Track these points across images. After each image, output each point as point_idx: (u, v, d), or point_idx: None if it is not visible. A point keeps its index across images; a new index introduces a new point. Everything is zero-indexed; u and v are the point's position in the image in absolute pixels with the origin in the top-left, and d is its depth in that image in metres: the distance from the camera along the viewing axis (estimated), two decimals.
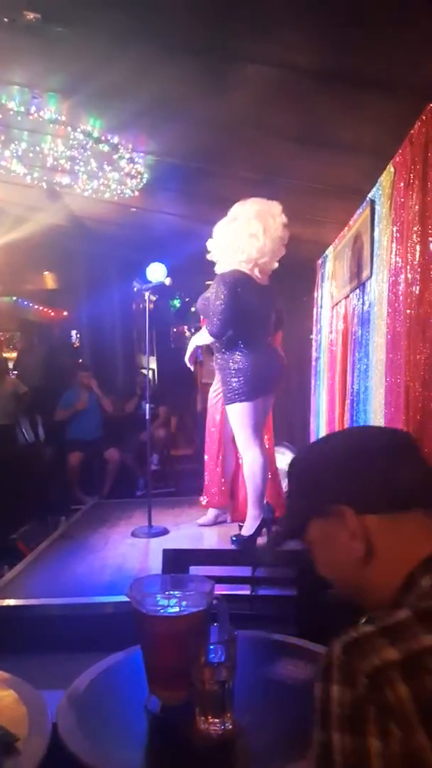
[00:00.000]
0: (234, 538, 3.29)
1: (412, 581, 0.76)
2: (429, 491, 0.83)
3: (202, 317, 3.56)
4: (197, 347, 3.49)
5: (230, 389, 3.25)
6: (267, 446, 3.51)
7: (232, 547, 3.21)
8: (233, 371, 3.22)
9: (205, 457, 3.89)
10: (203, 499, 3.83)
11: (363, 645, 0.65)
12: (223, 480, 3.80)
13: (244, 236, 3.14)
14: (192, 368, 3.65)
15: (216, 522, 3.77)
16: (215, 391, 3.77)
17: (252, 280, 3.20)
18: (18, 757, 1.05)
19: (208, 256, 3.36)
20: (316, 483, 0.87)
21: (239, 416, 3.25)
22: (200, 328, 3.59)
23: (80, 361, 7.34)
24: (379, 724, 0.60)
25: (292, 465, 0.95)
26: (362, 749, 0.60)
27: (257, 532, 3.22)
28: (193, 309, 3.84)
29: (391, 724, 0.60)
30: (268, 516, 3.30)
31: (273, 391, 3.37)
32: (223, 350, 3.26)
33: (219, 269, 3.29)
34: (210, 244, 3.32)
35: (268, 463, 3.38)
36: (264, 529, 3.23)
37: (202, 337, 3.36)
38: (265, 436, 3.55)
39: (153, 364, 7.87)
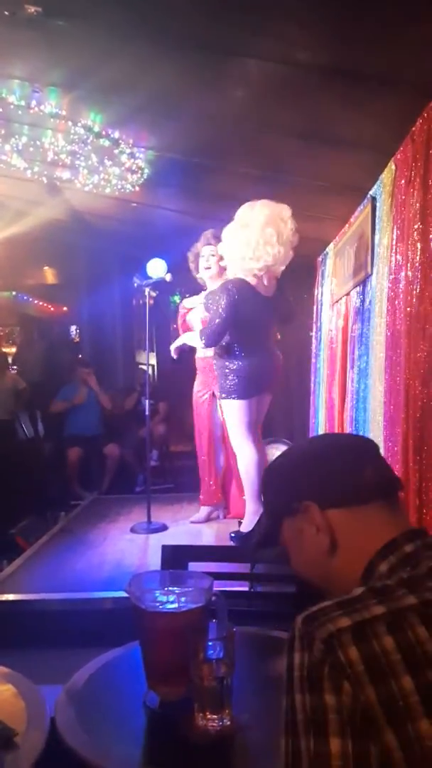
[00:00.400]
0: (233, 535, 3.29)
1: (371, 568, 0.83)
2: (386, 485, 0.91)
3: (203, 315, 3.56)
4: (184, 344, 3.57)
5: (225, 386, 3.29)
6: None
7: (231, 543, 3.22)
8: (229, 370, 3.26)
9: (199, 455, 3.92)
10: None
11: (320, 616, 0.72)
12: (212, 478, 3.81)
13: (258, 244, 3.12)
14: (175, 357, 3.70)
15: (208, 519, 3.78)
16: (200, 391, 3.80)
17: (254, 290, 3.21)
18: (16, 752, 1.06)
19: (222, 263, 3.43)
20: (284, 484, 0.96)
21: (233, 413, 3.30)
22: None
23: (80, 356, 7.33)
24: (332, 681, 0.67)
25: (264, 473, 1.04)
26: (319, 705, 0.67)
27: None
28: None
29: (343, 681, 0.67)
30: None
31: (267, 390, 3.39)
32: (220, 353, 3.32)
33: (230, 274, 3.33)
34: (221, 248, 3.36)
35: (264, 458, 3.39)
36: None
37: (192, 340, 3.45)
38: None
39: (153, 360, 7.87)
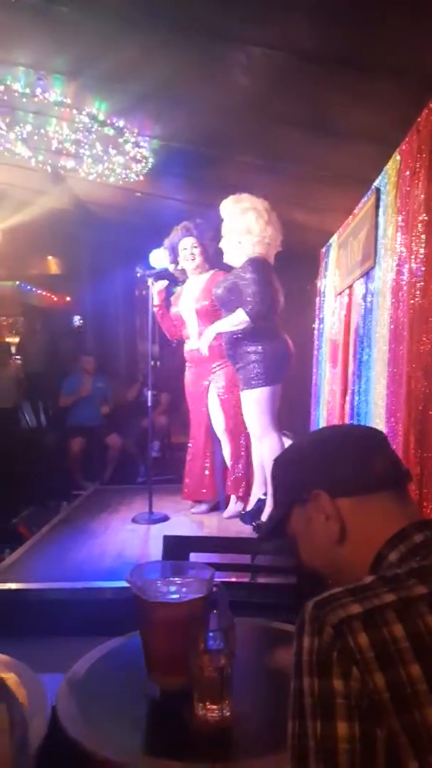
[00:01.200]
0: (255, 525, 3.28)
1: (380, 557, 0.84)
2: (395, 475, 0.92)
3: (219, 307, 3.48)
4: (219, 335, 3.35)
5: (250, 375, 3.23)
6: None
7: (231, 534, 3.23)
8: (254, 356, 3.22)
9: (190, 445, 3.86)
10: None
11: (331, 602, 0.74)
12: (207, 473, 3.78)
13: (260, 225, 3.22)
14: (206, 352, 3.47)
15: (209, 511, 3.77)
16: (195, 384, 3.74)
17: (272, 267, 3.30)
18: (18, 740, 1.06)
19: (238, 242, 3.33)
20: (295, 472, 0.97)
21: (258, 402, 3.23)
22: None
23: (83, 347, 7.34)
24: (341, 666, 0.69)
25: (274, 463, 1.04)
26: (327, 690, 0.68)
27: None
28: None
29: (352, 667, 0.68)
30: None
31: (286, 376, 3.40)
32: (242, 336, 3.24)
33: (232, 259, 3.33)
34: (223, 241, 3.37)
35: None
36: None
37: (229, 324, 3.25)
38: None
39: (156, 351, 7.85)
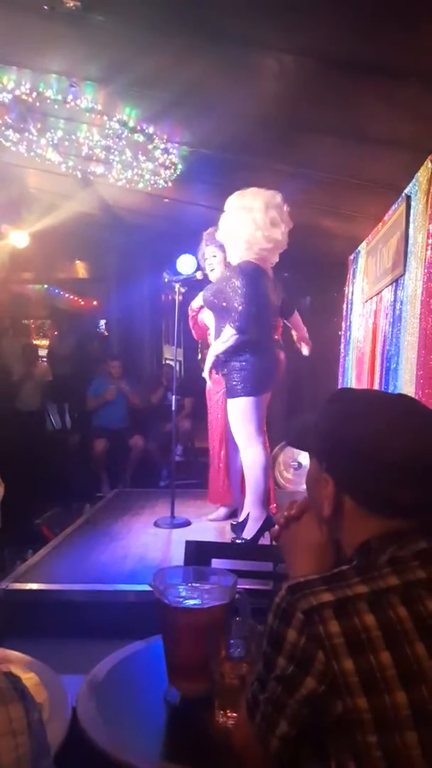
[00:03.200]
0: (233, 524, 3.24)
1: (366, 546, 0.85)
2: (420, 513, 0.86)
3: (210, 312, 3.43)
4: (218, 358, 3.28)
5: (233, 383, 3.17)
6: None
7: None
8: (238, 366, 3.15)
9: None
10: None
11: (304, 588, 0.79)
12: (226, 478, 3.75)
13: (266, 224, 3.07)
14: (210, 383, 3.51)
15: (227, 518, 3.74)
16: (212, 390, 3.72)
17: (265, 272, 3.16)
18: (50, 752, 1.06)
19: (226, 244, 3.27)
20: (333, 447, 0.91)
21: (241, 412, 3.17)
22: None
23: (109, 351, 7.40)
24: (306, 650, 0.76)
25: (337, 399, 0.98)
26: (292, 672, 0.77)
27: (259, 535, 3.13)
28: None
29: (318, 651, 0.75)
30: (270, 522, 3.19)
31: (272, 388, 3.29)
32: (231, 348, 3.15)
33: (234, 260, 3.23)
34: (222, 235, 3.25)
35: (270, 461, 3.30)
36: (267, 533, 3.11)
37: (222, 344, 3.18)
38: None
39: (180, 356, 7.89)
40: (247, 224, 3.09)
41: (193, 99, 2.97)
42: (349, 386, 5.03)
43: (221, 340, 3.19)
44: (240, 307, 3.05)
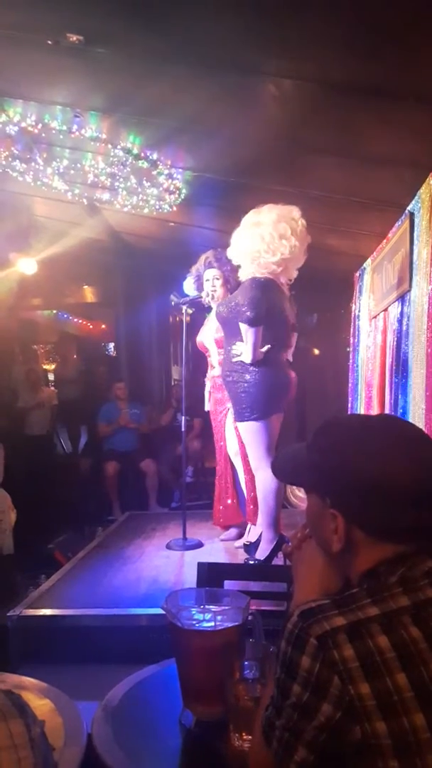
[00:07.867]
0: (245, 545, 3.23)
1: (375, 569, 0.85)
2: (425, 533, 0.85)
3: (219, 330, 3.40)
4: (223, 378, 3.27)
5: (242, 407, 3.09)
6: None
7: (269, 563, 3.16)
8: (245, 387, 3.06)
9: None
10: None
11: (317, 613, 0.79)
12: (235, 497, 3.73)
13: (273, 238, 2.99)
14: (209, 406, 3.60)
15: (239, 537, 3.71)
16: (216, 410, 3.70)
17: (279, 286, 3.08)
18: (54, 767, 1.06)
19: (234, 261, 3.21)
20: (335, 482, 0.89)
21: (252, 434, 3.09)
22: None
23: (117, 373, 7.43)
24: (321, 676, 0.75)
25: (324, 432, 0.94)
26: (308, 699, 0.76)
27: (272, 556, 3.08)
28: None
29: (333, 677, 0.74)
30: (282, 542, 3.10)
31: (284, 408, 3.19)
32: (237, 365, 3.09)
33: (243, 275, 3.16)
34: (231, 252, 3.18)
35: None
36: (279, 553, 3.10)
37: (231, 362, 3.14)
38: None
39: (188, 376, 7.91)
40: (254, 239, 3.03)
41: (196, 125, 3.03)
42: (350, 408, 5.02)
43: (234, 352, 3.12)
44: (251, 315, 2.95)
